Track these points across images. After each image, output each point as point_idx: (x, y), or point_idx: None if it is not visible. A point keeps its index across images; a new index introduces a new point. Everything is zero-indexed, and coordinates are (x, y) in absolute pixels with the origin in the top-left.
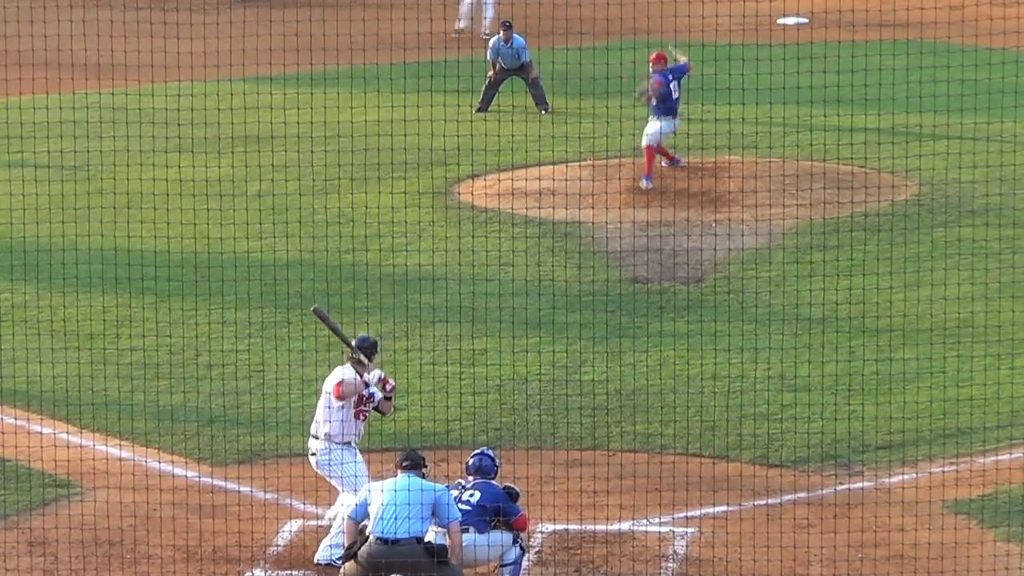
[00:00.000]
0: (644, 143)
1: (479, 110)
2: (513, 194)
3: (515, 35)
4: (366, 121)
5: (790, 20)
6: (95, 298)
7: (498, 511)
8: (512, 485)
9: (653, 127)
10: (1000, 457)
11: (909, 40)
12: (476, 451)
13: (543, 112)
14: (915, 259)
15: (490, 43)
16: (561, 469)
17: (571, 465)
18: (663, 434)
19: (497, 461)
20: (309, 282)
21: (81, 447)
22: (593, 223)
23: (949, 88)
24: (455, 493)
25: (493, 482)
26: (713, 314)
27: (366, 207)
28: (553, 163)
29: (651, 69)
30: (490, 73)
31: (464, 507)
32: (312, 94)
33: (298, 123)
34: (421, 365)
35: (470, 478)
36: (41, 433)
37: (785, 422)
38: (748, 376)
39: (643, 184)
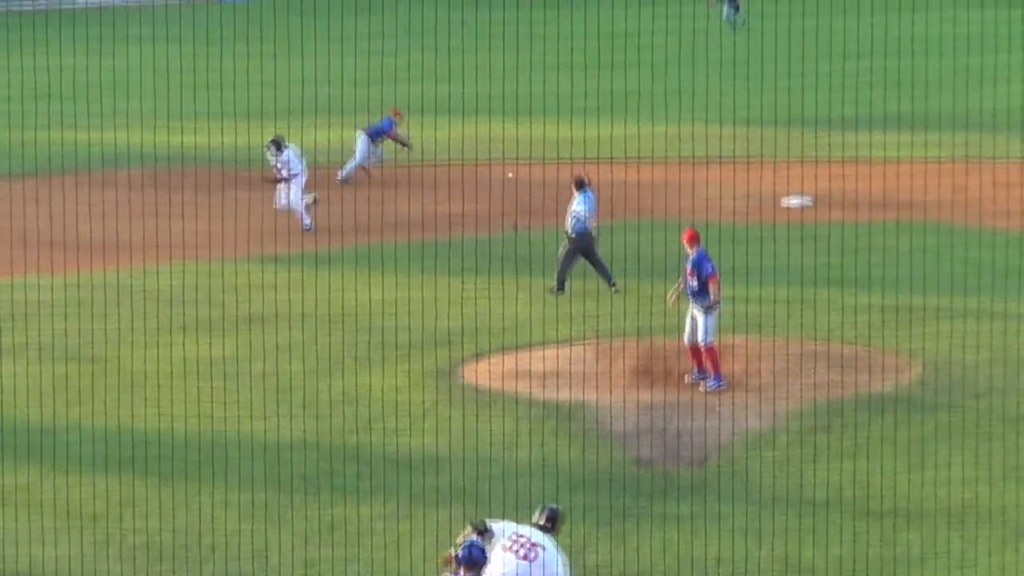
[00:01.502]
0: (704, 342)
1: (557, 291)
2: (517, 375)
3: (587, 191)
4: (370, 301)
5: (794, 201)
6: (98, 479)
7: None
8: None
9: (710, 322)
10: None
11: (913, 221)
12: (464, 543)
13: (614, 288)
14: (919, 441)
15: (572, 207)
16: None
17: None
18: None
19: (487, 553)
20: (312, 463)
21: None
22: (597, 404)
23: (952, 268)
24: None
25: None
26: (717, 496)
27: (369, 388)
28: (557, 344)
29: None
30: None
31: None
32: (316, 274)
33: (302, 303)
34: (424, 547)
35: (461, 572)
36: None
37: None
38: (752, 558)
39: (712, 385)
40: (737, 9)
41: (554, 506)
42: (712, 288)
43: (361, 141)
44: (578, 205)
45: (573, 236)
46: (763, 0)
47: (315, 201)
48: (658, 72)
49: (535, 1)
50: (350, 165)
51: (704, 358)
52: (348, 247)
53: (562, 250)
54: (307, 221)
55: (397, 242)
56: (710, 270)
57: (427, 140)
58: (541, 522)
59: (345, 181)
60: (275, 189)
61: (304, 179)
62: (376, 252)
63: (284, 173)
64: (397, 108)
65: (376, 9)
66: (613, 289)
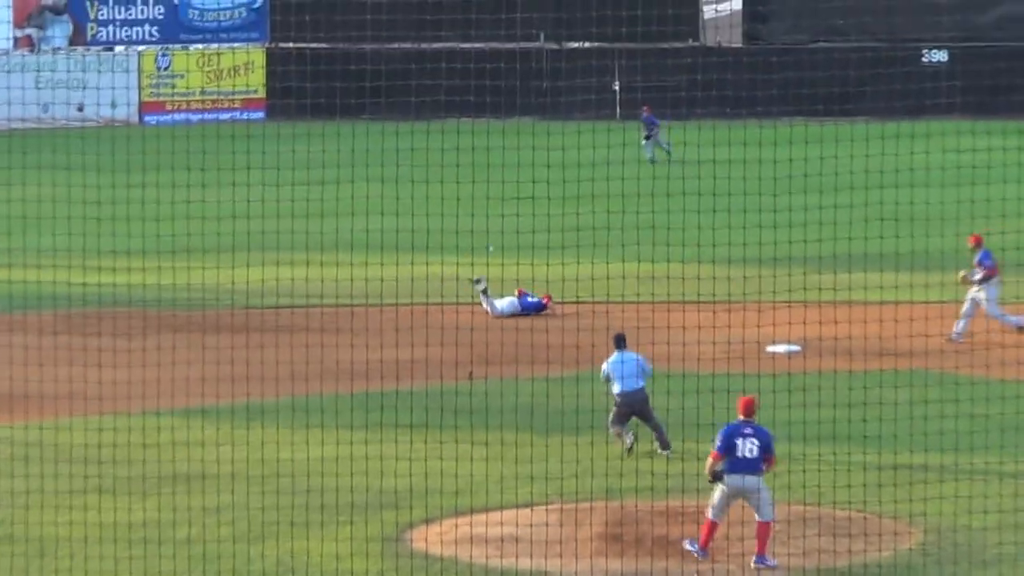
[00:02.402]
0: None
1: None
2: (472, 541)
3: (622, 351)
4: (308, 459)
5: (780, 348)
6: None
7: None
8: None
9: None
10: None
11: (912, 370)
12: None
13: (667, 454)
14: None
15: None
16: None
17: None
18: None
19: None
20: None
21: None
22: (561, 573)
23: (957, 424)
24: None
25: None
26: None
27: (307, 555)
28: (517, 506)
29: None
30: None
31: None
32: (248, 428)
33: (232, 461)
34: None
35: None
36: None
37: None
38: None
39: (690, 547)
40: (648, 137)
41: None
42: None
43: (508, 302)
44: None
45: (617, 395)
46: (745, 128)
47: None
48: (628, 205)
49: (491, 127)
50: (491, 306)
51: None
52: (284, 398)
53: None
54: None
55: (338, 393)
56: (716, 444)
57: (372, 279)
58: None
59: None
60: None
61: None
62: (315, 404)
63: None
64: (550, 295)
65: (315, 135)
66: (667, 454)
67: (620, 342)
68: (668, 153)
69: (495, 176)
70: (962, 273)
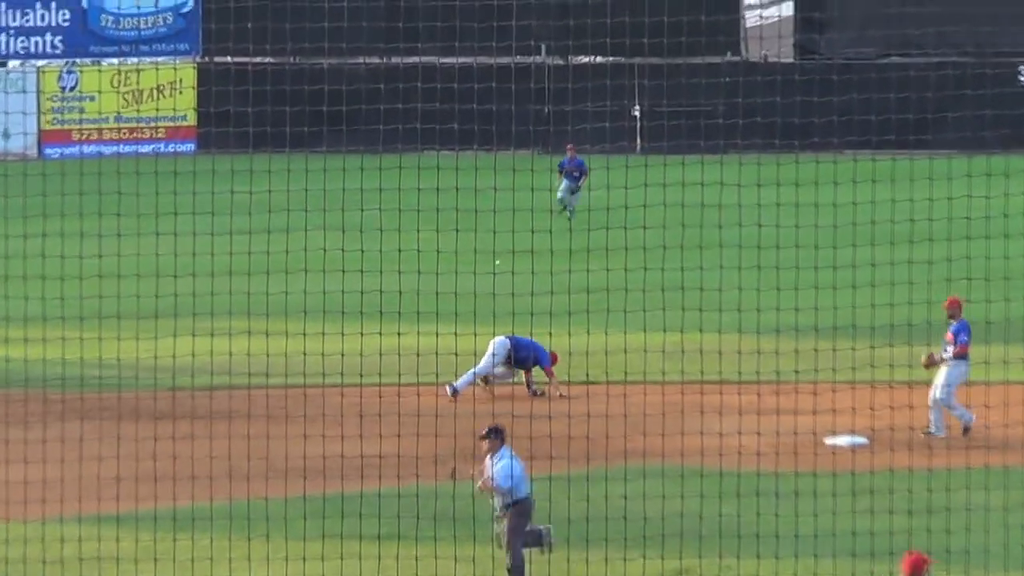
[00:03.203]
0: None
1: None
2: None
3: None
4: None
5: (842, 440)
6: None
7: None
8: None
9: None
10: None
11: (1007, 468)
12: None
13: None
14: None
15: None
16: None
17: None
18: None
19: None
20: None
21: None
22: None
23: None
24: None
25: None
26: None
27: None
28: None
29: None
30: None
31: None
32: (175, 540)
33: None
34: None
35: None
36: None
37: None
38: None
39: None
40: (575, 191)
41: None
42: None
43: (487, 360)
44: (500, 463)
45: (512, 504)
46: (797, 163)
47: None
48: (651, 260)
49: (479, 162)
50: (467, 375)
51: None
52: (219, 502)
53: (500, 527)
54: None
55: (288, 496)
56: None
57: (330, 353)
58: None
59: (456, 393)
60: None
61: None
62: (259, 510)
63: None
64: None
65: (259, 172)
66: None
67: (498, 433)
68: (570, 205)
69: (484, 224)
70: (926, 356)
